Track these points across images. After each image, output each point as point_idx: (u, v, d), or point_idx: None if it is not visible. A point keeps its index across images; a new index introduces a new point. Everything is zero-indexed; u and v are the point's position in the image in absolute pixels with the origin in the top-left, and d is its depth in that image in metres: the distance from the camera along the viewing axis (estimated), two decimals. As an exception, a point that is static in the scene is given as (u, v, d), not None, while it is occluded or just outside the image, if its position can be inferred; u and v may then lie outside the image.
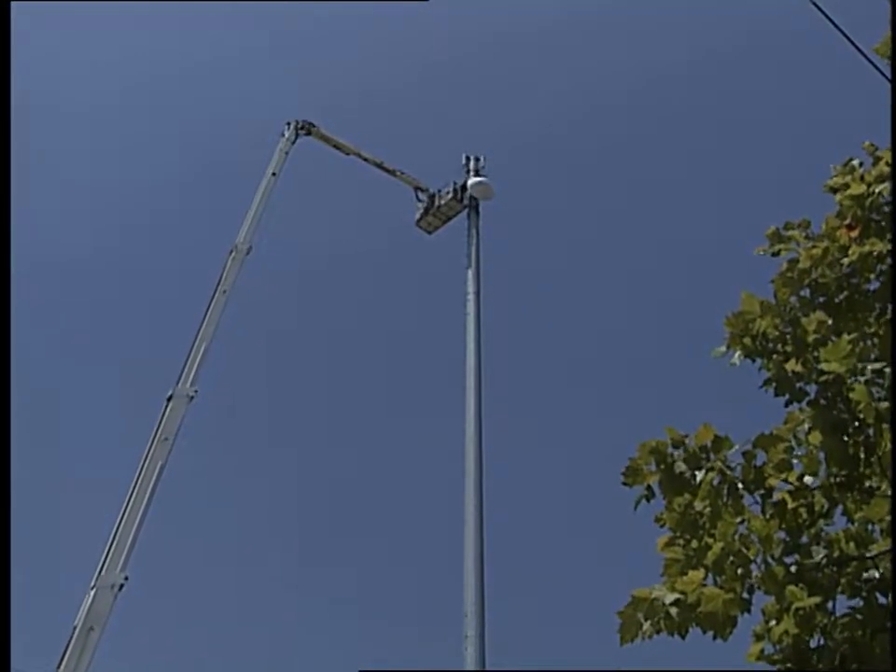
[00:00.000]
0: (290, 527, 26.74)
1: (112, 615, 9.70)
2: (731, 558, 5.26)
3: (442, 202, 17.23)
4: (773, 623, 5.14)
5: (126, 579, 9.97)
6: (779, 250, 6.60)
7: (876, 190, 6.47)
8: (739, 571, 5.22)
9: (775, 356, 6.09)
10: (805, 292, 6.33)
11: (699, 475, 5.60)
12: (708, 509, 5.53)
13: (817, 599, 5.01)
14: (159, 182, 31.58)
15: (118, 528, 10.44)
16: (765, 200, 26.47)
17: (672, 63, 31.96)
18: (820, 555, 5.36)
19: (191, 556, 24.69)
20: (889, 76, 6.14)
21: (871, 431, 5.48)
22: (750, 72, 31.12)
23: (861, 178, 6.61)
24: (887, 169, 6.54)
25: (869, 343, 5.96)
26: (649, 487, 5.73)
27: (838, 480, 5.58)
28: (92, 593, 9.73)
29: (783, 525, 5.49)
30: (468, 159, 17.67)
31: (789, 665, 5.09)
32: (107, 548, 10.22)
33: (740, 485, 5.57)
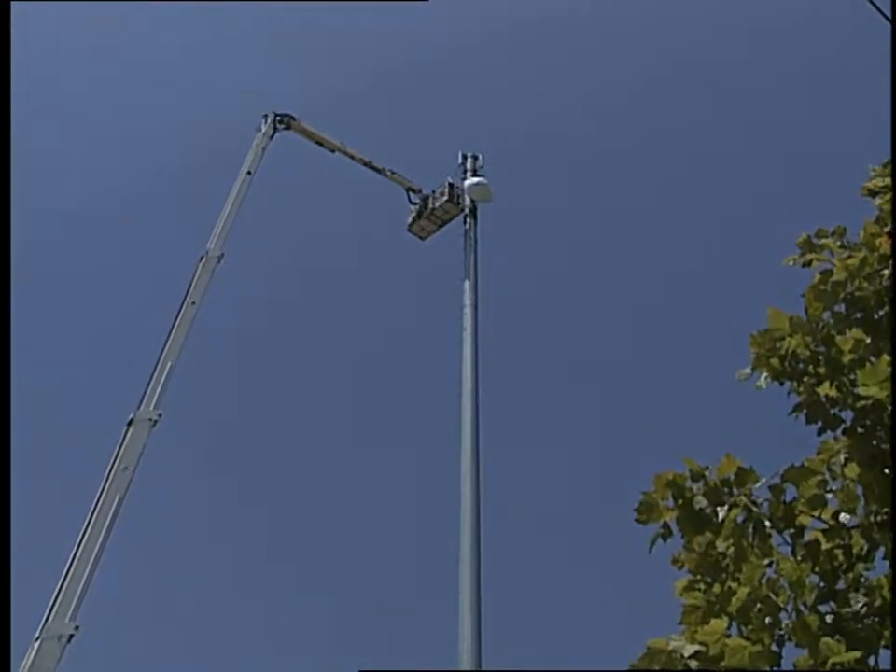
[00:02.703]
0: (279, 552, 26.68)
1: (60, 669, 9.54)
2: (758, 605, 5.23)
3: (437, 204, 17.24)
4: (806, 679, 5.09)
5: (76, 628, 9.82)
6: (811, 260, 6.58)
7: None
8: (767, 620, 5.18)
9: (806, 378, 6.06)
10: (840, 307, 6.30)
11: (721, 512, 5.57)
12: (732, 549, 5.51)
13: (856, 654, 4.96)
14: (122, 183, 31.66)
15: (69, 570, 10.32)
16: (795, 204, 26.63)
17: (685, 58, 32.24)
18: (860, 604, 5.32)
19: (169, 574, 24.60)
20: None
21: (914, 463, 5.46)
22: (778, 63, 31.38)
23: (903, 180, 6.61)
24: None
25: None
26: (665, 525, 5.70)
27: (878, 518, 5.54)
28: (37, 645, 9.58)
29: (816, 569, 5.46)
30: (464, 158, 17.72)
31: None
32: (56, 592, 10.09)
33: (768, 523, 5.55)
